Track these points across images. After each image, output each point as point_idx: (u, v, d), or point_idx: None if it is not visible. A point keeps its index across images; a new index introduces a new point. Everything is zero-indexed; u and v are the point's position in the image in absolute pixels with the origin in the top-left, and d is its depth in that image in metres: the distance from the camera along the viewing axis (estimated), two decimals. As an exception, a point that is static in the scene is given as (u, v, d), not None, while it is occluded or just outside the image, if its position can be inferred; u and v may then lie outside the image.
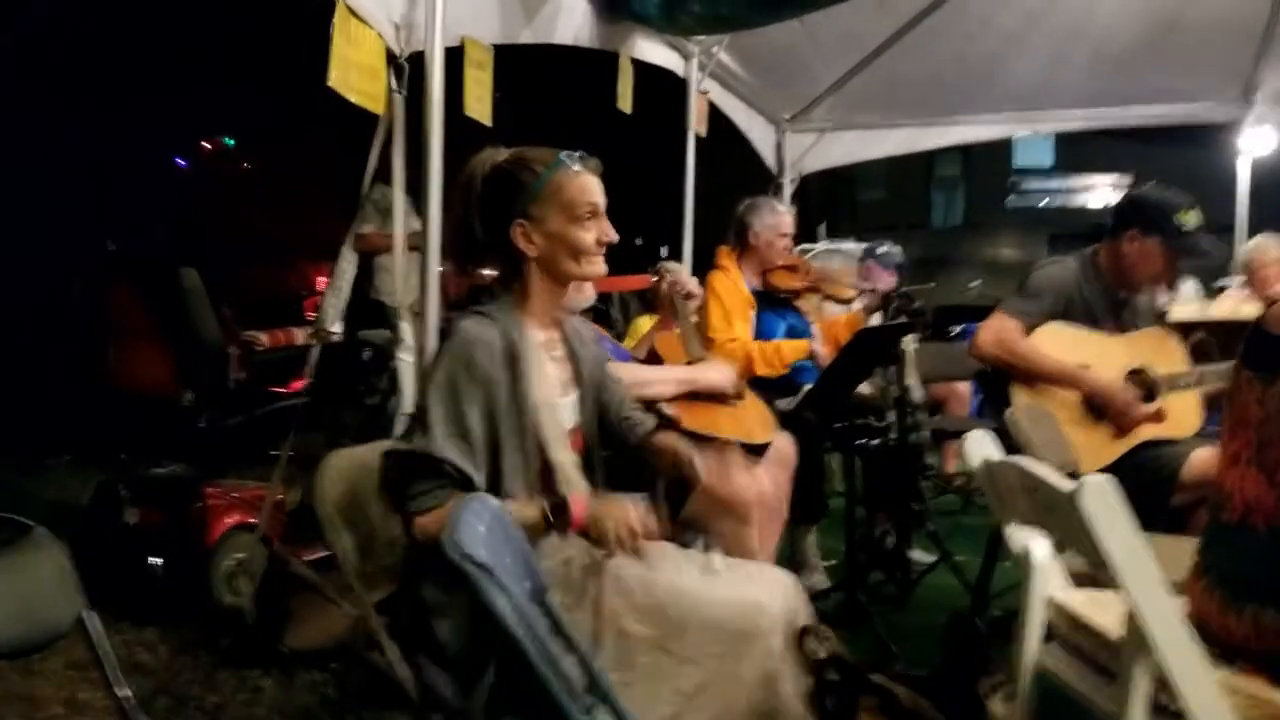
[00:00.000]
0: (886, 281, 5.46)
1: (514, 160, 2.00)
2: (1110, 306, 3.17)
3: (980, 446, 2.14)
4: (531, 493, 1.94)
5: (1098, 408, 3.02)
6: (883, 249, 5.66)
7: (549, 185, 1.97)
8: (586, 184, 2.00)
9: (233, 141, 11.16)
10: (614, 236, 2.04)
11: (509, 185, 1.97)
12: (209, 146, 11.12)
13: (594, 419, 2.15)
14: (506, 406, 1.90)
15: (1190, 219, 3.04)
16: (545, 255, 1.99)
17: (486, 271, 2.09)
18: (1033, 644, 2.06)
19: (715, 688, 1.90)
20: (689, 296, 3.55)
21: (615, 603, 1.92)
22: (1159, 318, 3.47)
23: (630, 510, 1.87)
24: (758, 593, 1.98)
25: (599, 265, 2.04)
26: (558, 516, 1.85)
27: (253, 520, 3.51)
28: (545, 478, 2.00)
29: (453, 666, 1.83)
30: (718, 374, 3.17)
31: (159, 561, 3.51)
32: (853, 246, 6.91)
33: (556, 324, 2.12)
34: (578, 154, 2.02)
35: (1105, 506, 1.61)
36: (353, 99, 2.84)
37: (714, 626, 1.91)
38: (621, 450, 2.23)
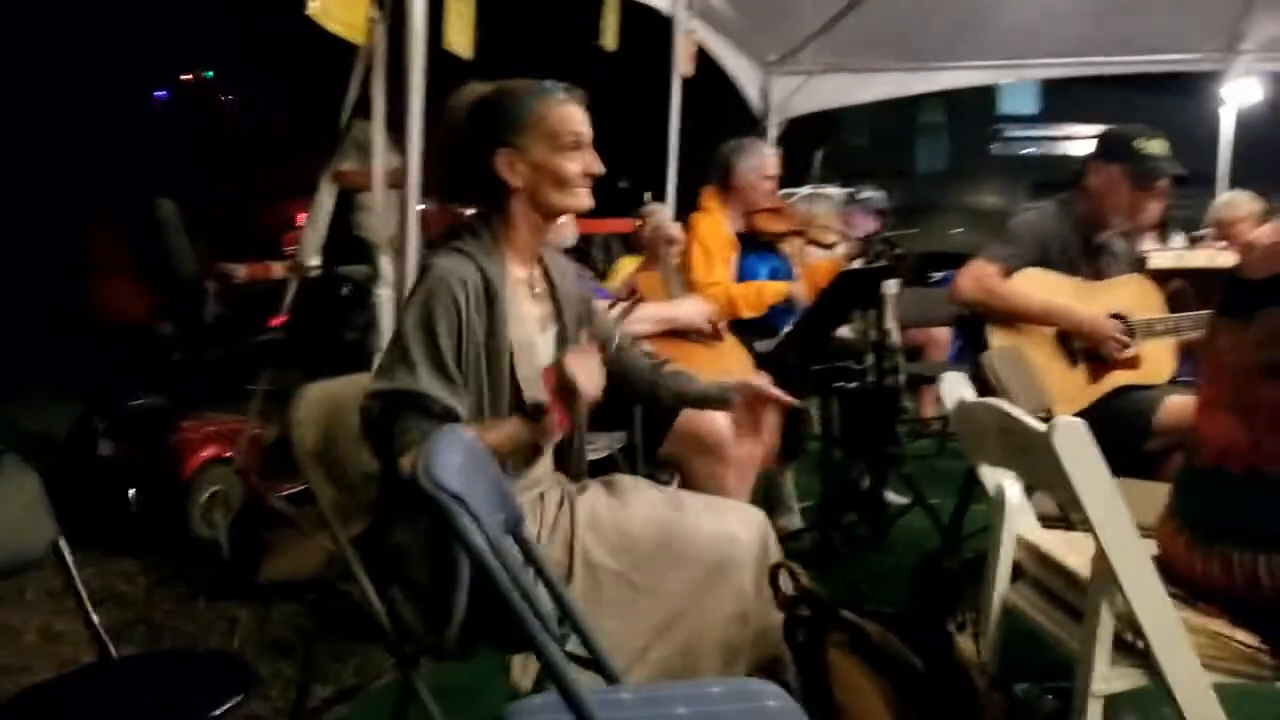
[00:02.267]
0: (868, 227, 5.45)
1: (497, 91, 1.97)
2: (1088, 252, 3.17)
3: (955, 388, 2.16)
4: None
5: (1074, 351, 3.04)
6: (864, 194, 5.64)
7: (532, 114, 1.93)
8: (570, 113, 1.97)
9: (212, 74, 10.97)
10: (600, 169, 2.00)
11: (492, 115, 1.95)
12: (188, 78, 10.93)
13: None
14: (483, 344, 1.88)
15: (1151, 146, 3.03)
16: (530, 185, 1.95)
17: (469, 211, 2.06)
18: (1001, 582, 2.10)
19: (686, 620, 1.92)
20: (671, 242, 3.54)
21: (587, 537, 1.94)
22: (1137, 265, 3.48)
23: (573, 363, 1.88)
24: (729, 525, 2.00)
25: (584, 197, 2.00)
26: (537, 414, 1.86)
27: (229, 454, 3.51)
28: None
29: (425, 600, 1.84)
30: (693, 309, 3.18)
31: (135, 493, 3.50)
32: (837, 192, 6.88)
33: (538, 260, 2.09)
34: (562, 84, 1.99)
35: (1077, 446, 1.63)
36: (332, 28, 2.80)
37: (686, 560, 1.93)
38: (629, 384, 2.21)
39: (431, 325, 1.81)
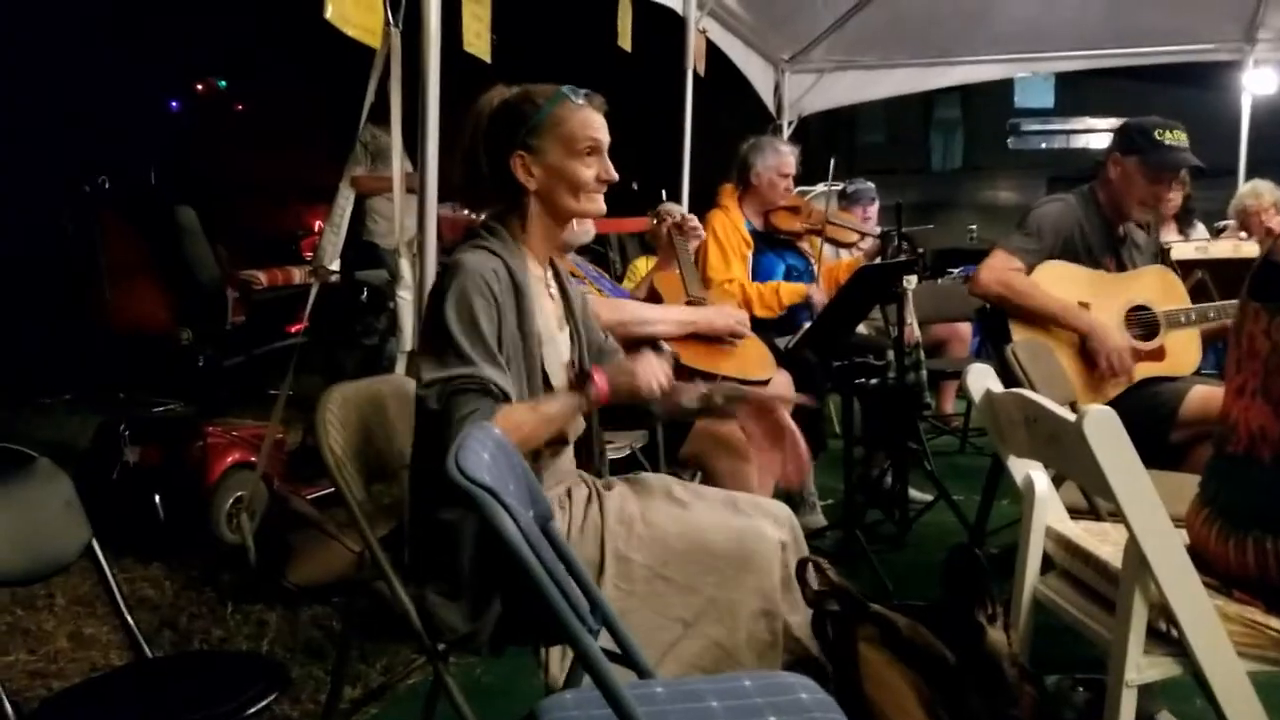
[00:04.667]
0: (869, 216, 5.44)
1: (519, 95, 2.00)
2: (1110, 243, 3.15)
3: (981, 379, 2.15)
4: None
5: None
6: (854, 187, 5.64)
7: (550, 118, 1.96)
8: (589, 119, 1.99)
9: (225, 83, 11.03)
10: (614, 175, 2.03)
11: (511, 117, 1.97)
12: (202, 88, 11.00)
13: (584, 356, 2.14)
14: (513, 335, 1.90)
15: (1169, 136, 3.01)
16: (544, 189, 1.98)
17: (480, 216, 2.09)
18: (1031, 573, 2.09)
19: (714, 615, 1.92)
20: (690, 231, 3.53)
21: (617, 531, 1.94)
22: (1160, 255, 3.46)
23: (648, 362, 1.92)
24: (755, 521, 2.00)
25: (598, 203, 2.03)
26: (584, 389, 1.88)
27: (253, 459, 3.52)
28: None
29: (460, 595, 1.84)
30: (722, 318, 3.15)
31: (160, 499, 3.52)
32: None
33: (550, 261, 2.12)
34: (583, 90, 2.01)
35: (1108, 435, 1.63)
36: (349, 33, 2.81)
37: (713, 555, 1.93)
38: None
39: (473, 314, 1.82)
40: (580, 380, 1.90)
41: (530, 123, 1.95)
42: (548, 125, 1.96)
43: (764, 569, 1.96)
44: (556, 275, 2.13)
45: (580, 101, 1.98)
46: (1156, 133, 3.02)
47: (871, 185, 5.63)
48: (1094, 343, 2.98)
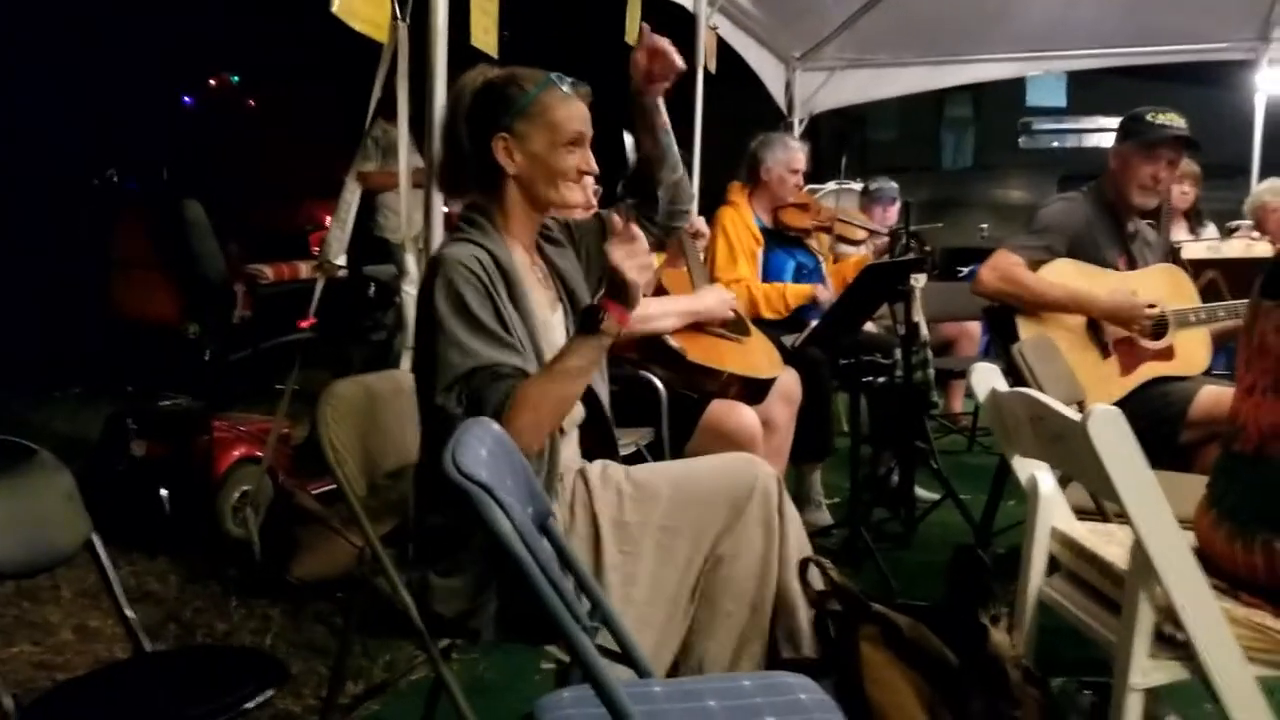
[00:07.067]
0: (890, 216, 5.44)
1: (505, 76, 1.98)
2: (1119, 239, 3.14)
3: (987, 378, 2.14)
4: None
5: (1106, 342, 3.01)
6: (875, 185, 5.63)
7: (536, 104, 1.94)
8: (575, 110, 1.97)
9: (238, 78, 11.04)
10: (594, 168, 2.01)
11: (496, 99, 1.95)
12: (214, 83, 11.00)
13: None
14: (514, 317, 1.87)
15: (1161, 117, 3.04)
16: (524, 174, 1.96)
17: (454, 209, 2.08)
18: (1036, 574, 2.07)
19: (720, 551, 1.93)
20: (697, 236, 3.52)
21: (606, 498, 1.94)
22: (1171, 254, 3.44)
23: (618, 256, 1.76)
24: (742, 458, 2.04)
25: (576, 193, 2.01)
26: (590, 317, 1.78)
27: (258, 453, 3.52)
28: None
29: (461, 572, 1.83)
30: (716, 300, 3.18)
31: (166, 493, 3.52)
32: (858, 187, 6.87)
33: (535, 246, 2.09)
34: (569, 78, 1.99)
35: (1114, 435, 1.61)
36: (356, 26, 2.80)
37: (709, 494, 1.94)
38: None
39: (464, 304, 1.79)
40: (588, 317, 1.78)
41: (516, 107, 1.93)
42: (534, 111, 1.94)
43: (761, 491, 1.95)
44: (545, 257, 2.11)
45: (567, 90, 1.97)
46: (1148, 116, 3.07)
47: (895, 185, 5.63)
48: (1115, 322, 2.98)
